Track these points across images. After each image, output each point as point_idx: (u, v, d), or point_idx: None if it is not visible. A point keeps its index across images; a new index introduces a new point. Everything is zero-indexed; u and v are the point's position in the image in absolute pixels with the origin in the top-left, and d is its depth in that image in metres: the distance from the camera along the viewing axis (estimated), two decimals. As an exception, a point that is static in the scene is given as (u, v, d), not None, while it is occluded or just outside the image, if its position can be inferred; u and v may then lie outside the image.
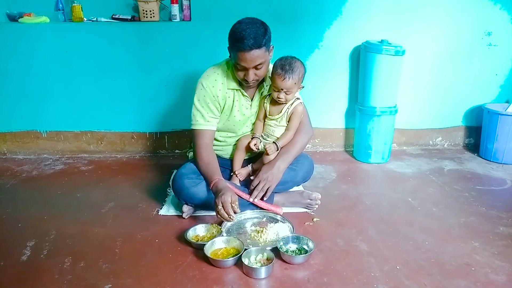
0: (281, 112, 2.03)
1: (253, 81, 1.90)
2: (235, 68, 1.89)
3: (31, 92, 2.83)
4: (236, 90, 2.01)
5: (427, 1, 2.82)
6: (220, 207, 1.73)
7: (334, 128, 3.07)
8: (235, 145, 2.14)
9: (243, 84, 1.97)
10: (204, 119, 2.00)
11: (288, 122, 2.05)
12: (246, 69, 1.84)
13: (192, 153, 2.16)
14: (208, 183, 1.92)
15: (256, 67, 1.83)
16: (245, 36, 1.74)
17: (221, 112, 2.05)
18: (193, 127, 2.02)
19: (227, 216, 1.73)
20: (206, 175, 1.94)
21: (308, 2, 2.77)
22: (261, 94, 2.07)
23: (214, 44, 2.76)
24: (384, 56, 2.62)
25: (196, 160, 2.00)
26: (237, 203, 1.76)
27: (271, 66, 2.00)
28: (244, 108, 2.06)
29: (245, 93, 2.02)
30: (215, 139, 2.11)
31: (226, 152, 2.18)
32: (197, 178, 1.98)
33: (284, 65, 1.89)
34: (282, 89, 1.92)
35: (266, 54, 1.84)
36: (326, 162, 2.84)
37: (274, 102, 2.02)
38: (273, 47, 1.92)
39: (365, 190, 2.40)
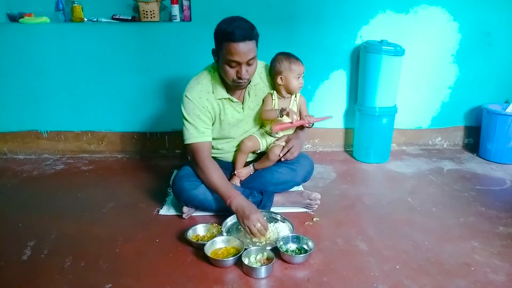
0: (289, 105, 2.04)
1: (245, 80, 1.85)
2: (226, 67, 1.82)
3: (31, 92, 2.83)
4: (225, 99, 1.97)
5: (427, 1, 2.82)
6: (253, 227, 1.76)
7: (333, 128, 3.06)
8: (237, 149, 2.13)
9: (232, 87, 1.92)
10: (198, 131, 1.93)
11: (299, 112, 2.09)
12: (239, 65, 1.79)
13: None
14: (222, 198, 1.88)
15: (248, 63, 1.80)
16: (238, 27, 1.73)
17: (213, 122, 2.01)
18: (188, 142, 1.95)
19: (260, 235, 1.77)
20: (218, 191, 1.90)
21: (308, 2, 2.77)
22: (249, 95, 2.02)
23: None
24: (384, 56, 2.62)
25: (201, 176, 1.96)
26: (264, 219, 1.82)
27: (260, 67, 2.03)
28: (236, 113, 2.03)
29: (234, 99, 1.98)
30: (214, 148, 2.08)
31: (227, 157, 2.16)
32: (197, 181, 1.98)
33: (289, 55, 2.02)
34: (301, 74, 2.02)
35: (255, 49, 1.83)
36: (326, 162, 2.84)
37: (280, 98, 2.04)
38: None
39: (365, 190, 2.41)
